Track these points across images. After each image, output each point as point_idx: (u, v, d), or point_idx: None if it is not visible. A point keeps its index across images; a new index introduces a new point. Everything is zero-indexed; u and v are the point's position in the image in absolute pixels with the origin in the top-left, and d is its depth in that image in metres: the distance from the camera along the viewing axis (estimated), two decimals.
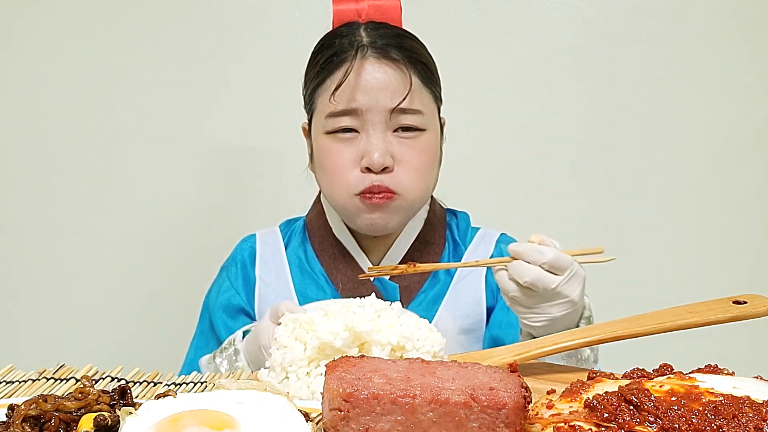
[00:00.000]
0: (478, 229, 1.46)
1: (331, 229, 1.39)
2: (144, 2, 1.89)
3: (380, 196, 1.26)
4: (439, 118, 1.35)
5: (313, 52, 1.34)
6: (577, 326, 1.15)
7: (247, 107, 1.91)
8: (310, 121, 1.35)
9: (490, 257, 1.39)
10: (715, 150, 1.92)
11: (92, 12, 1.89)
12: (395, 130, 1.27)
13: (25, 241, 1.94)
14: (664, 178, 1.93)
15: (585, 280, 1.14)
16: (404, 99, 1.24)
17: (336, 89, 1.24)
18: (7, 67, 1.90)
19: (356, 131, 1.27)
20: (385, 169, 1.26)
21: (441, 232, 1.42)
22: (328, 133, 1.28)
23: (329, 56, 1.28)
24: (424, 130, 1.28)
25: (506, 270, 1.14)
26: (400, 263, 1.34)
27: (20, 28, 1.88)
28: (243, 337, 1.21)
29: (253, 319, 1.37)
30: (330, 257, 1.39)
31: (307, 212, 1.47)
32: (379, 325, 0.88)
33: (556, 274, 1.10)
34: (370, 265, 1.36)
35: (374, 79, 1.25)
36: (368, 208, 1.28)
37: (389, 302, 0.94)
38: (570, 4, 1.89)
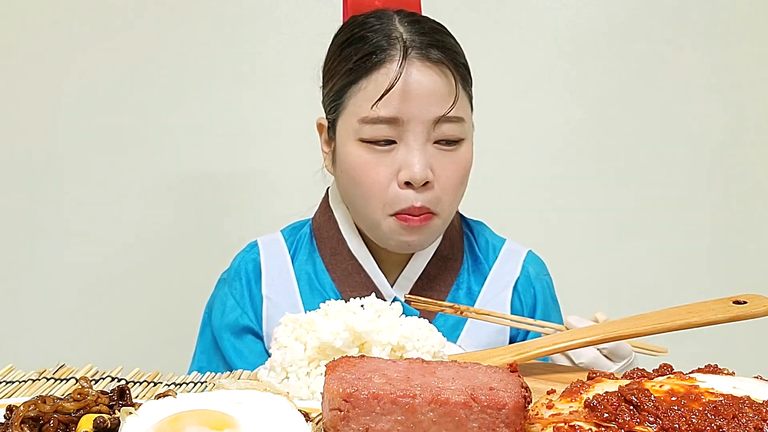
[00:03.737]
0: (502, 242, 1.37)
1: (344, 239, 1.29)
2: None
3: (420, 218, 1.17)
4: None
5: (338, 43, 1.22)
6: None
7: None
8: (332, 120, 1.24)
9: (516, 280, 1.32)
10: (716, 150, 1.92)
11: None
12: (435, 142, 1.17)
13: (25, 242, 1.94)
14: (665, 177, 1.93)
15: None
16: (452, 107, 1.15)
17: (382, 96, 1.13)
18: None
19: (394, 141, 1.17)
20: (425, 185, 1.16)
21: (459, 246, 1.33)
22: (363, 141, 1.17)
23: (366, 53, 1.16)
24: (463, 139, 1.20)
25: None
26: (419, 279, 1.27)
27: None
28: None
29: (260, 337, 1.30)
30: (342, 273, 1.29)
31: (313, 215, 1.37)
32: (379, 325, 0.88)
33: (612, 361, 1.05)
34: (386, 285, 1.27)
35: (419, 84, 1.14)
36: (405, 231, 1.19)
37: (389, 302, 0.94)
38: (571, 5, 1.89)
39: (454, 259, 1.31)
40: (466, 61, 1.23)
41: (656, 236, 1.94)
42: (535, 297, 1.33)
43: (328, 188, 1.36)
